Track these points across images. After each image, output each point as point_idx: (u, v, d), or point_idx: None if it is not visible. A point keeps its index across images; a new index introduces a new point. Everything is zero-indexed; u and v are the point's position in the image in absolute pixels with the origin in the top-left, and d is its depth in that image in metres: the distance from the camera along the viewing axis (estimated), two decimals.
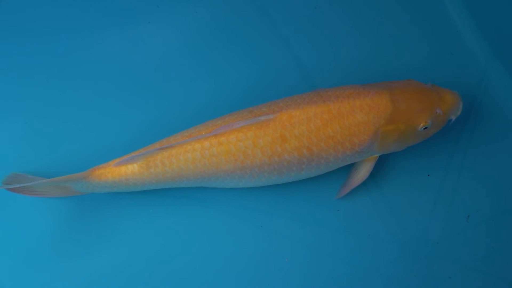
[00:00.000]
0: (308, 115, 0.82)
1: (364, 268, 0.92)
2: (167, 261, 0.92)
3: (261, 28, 1.03)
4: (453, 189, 0.95)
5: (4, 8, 1.03)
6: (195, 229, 0.93)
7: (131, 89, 0.99)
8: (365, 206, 0.94)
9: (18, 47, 1.01)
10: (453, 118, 0.88)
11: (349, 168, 0.93)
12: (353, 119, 0.82)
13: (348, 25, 1.03)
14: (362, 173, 0.90)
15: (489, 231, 0.93)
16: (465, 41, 1.02)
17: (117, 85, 0.99)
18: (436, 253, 0.92)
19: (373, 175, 0.94)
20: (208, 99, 0.98)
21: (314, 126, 0.82)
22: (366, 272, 0.92)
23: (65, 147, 0.96)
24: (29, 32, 1.02)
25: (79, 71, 1.00)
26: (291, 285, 0.91)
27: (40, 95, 0.99)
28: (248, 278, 0.91)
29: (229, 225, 0.93)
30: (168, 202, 0.94)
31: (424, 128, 0.85)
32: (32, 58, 1.01)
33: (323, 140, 0.82)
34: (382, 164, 0.95)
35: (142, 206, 0.94)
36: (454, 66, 1.01)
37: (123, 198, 0.94)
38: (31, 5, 1.03)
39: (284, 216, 0.93)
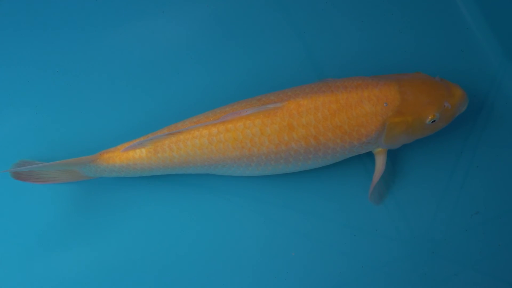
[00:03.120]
0: (316, 105, 0.82)
1: (370, 265, 0.91)
2: (171, 248, 0.92)
3: (272, 19, 1.04)
4: (460, 187, 0.94)
5: (18, 2, 1.05)
6: (201, 217, 0.93)
7: (141, 77, 1.01)
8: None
9: (29, 40, 1.03)
10: (457, 114, 0.87)
11: (356, 160, 0.93)
12: (361, 109, 0.82)
13: (359, 19, 1.03)
14: (378, 167, 0.90)
15: (496, 230, 0.92)
16: (476, 38, 1.02)
17: (128, 72, 1.01)
18: (442, 250, 0.91)
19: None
20: (218, 87, 0.99)
21: (321, 115, 0.82)
22: (372, 269, 0.91)
23: (75, 136, 0.97)
24: (40, 23, 1.04)
25: (87, 60, 1.02)
26: (296, 279, 0.90)
27: (50, 84, 1.00)
28: (252, 268, 0.91)
29: (235, 215, 0.93)
30: (174, 189, 0.94)
31: (432, 122, 0.84)
32: (42, 50, 1.02)
33: (330, 130, 0.82)
34: (390, 161, 0.95)
35: (148, 193, 0.94)
36: (464, 63, 1.01)
37: (129, 185, 0.95)
38: None
39: (291, 210, 0.93)
